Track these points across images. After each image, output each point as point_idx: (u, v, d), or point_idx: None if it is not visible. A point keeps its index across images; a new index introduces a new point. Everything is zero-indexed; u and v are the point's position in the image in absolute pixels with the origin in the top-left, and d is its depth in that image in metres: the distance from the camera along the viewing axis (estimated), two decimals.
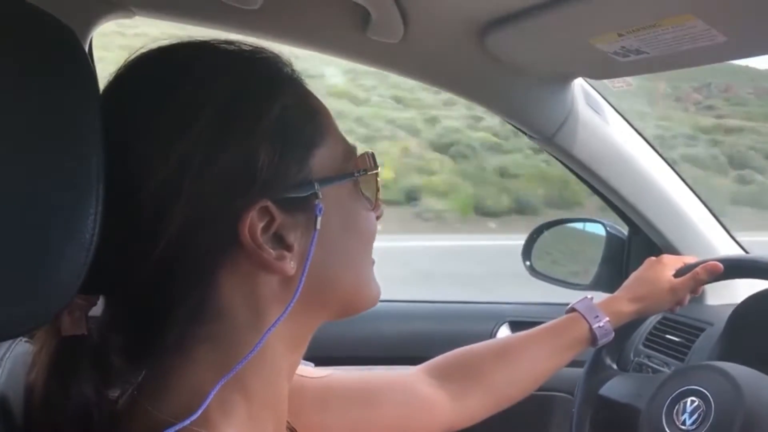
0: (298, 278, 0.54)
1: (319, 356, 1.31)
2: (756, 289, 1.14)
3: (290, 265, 0.53)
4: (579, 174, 1.32)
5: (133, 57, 0.54)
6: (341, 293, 0.59)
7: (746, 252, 1.36)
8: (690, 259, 1.03)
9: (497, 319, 1.49)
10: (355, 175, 0.58)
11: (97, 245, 0.48)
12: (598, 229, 1.51)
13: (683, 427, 0.87)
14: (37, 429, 0.52)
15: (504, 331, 1.48)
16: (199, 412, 0.49)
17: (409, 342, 1.46)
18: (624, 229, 1.47)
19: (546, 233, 1.55)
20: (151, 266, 0.50)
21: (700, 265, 0.99)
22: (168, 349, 0.52)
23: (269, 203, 0.51)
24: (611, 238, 1.47)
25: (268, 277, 0.53)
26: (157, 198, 0.49)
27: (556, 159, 1.31)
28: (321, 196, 0.54)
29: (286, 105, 0.54)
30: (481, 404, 0.88)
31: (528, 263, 1.53)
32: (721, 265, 0.97)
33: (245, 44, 0.56)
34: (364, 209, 0.59)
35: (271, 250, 0.52)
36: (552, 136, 1.19)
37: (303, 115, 0.55)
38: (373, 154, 0.61)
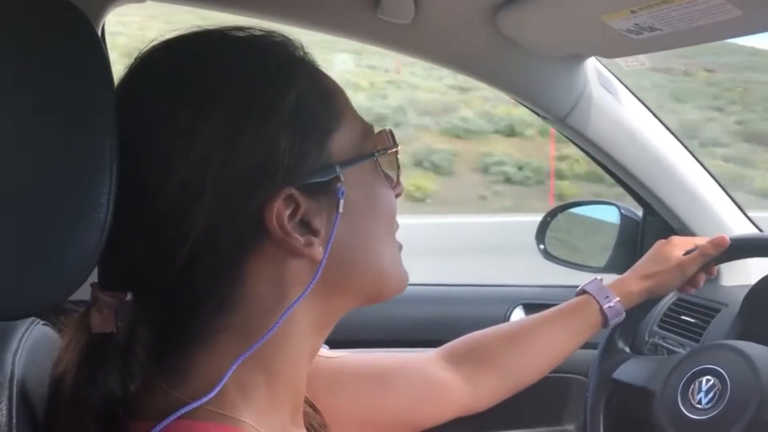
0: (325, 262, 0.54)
1: (332, 339, 1.32)
2: None
3: (318, 250, 0.52)
4: (592, 155, 1.31)
5: (143, 51, 0.54)
6: (368, 277, 0.58)
7: (761, 231, 1.34)
8: (700, 241, 1.02)
9: (511, 302, 1.49)
10: (375, 154, 0.57)
11: (126, 241, 0.49)
12: (611, 212, 1.49)
13: (699, 406, 0.87)
14: (61, 421, 0.52)
15: (518, 314, 1.47)
16: (217, 389, 0.50)
17: (421, 325, 1.46)
18: (638, 211, 1.46)
19: (560, 216, 1.54)
20: (179, 263, 0.50)
21: (708, 241, 0.98)
22: (193, 340, 0.53)
23: (294, 190, 0.51)
24: (625, 220, 1.46)
25: (296, 263, 0.53)
26: (181, 195, 0.49)
27: (569, 140, 1.30)
28: (343, 179, 0.53)
29: (301, 90, 0.53)
30: (494, 388, 0.88)
31: (542, 246, 1.52)
32: (727, 238, 0.97)
33: (255, 29, 0.55)
34: (384, 188, 0.59)
35: (299, 237, 0.51)
36: (565, 116, 1.18)
37: (319, 99, 0.55)
38: (391, 131, 0.60)
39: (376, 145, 0.58)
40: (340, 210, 0.53)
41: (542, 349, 0.91)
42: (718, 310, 1.23)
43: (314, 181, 0.52)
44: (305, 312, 0.54)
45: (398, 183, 0.61)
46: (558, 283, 1.57)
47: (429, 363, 0.86)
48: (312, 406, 0.68)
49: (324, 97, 0.55)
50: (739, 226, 1.34)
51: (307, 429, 0.64)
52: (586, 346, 0.99)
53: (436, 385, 0.84)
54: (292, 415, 0.59)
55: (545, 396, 1.35)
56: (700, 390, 0.88)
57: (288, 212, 0.51)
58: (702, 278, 1.01)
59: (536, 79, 1.14)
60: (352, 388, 0.77)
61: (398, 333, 1.44)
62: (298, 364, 0.57)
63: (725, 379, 0.86)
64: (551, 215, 1.54)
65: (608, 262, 1.44)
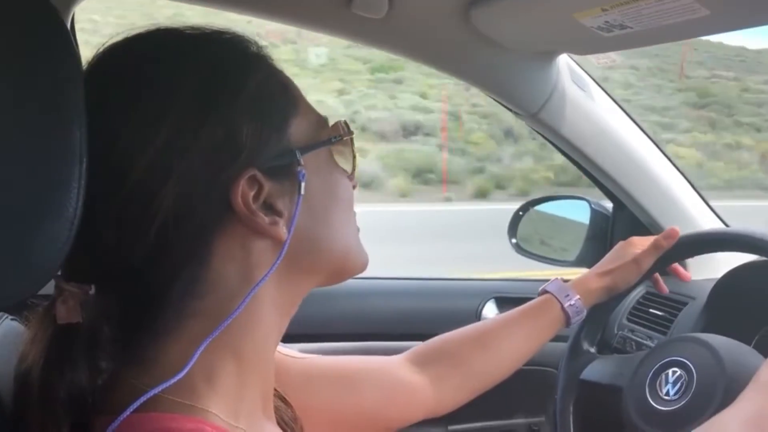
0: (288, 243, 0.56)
1: (308, 333, 1.32)
2: (736, 263, 1.16)
3: (282, 230, 0.55)
4: (564, 150, 1.32)
5: (102, 49, 0.56)
6: (331, 257, 0.61)
7: (727, 225, 1.37)
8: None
9: (483, 296, 1.50)
10: (332, 140, 0.61)
11: (93, 230, 0.49)
12: (582, 206, 1.51)
13: (666, 397, 0.89)
14: (30, 417, 0.52)
15: (490, 307, 1.49)
16: (182, 373, 0.50)
17: (396, 319, 1.46)
18: (608, 206, 1.48)
19: (532, 210, 1.55)
20: (146, 248, 0.51)
21: (661, 234, 1.01)
22: (160, 329, 0.53)
23: (256, 172, 0.53)
24: (596, 215, 1.47)
25: (261, 244, 0.55)
26: (147, 181, 0.51)
27: (541, 135, 1.31)
28: (303, 163, 0.57)
29: (259, 79, 0.56)
30: (459, 390, 0.90)
31: (514, 240, 1.53)
32: (677, 230, 1.00)
33: (207, 27, 0.58)
34: (341, 176, 0.62)
35: (264, 216, 0.54)
36: (537, 112, 1.19)
37: (276, 88, 0.58)
38: (345, 122, 0.64)
39: (331, 134, 0.61)
40: (302, 192, 0.56)
41: (507, 350, 0.93)
42: (685, 303, 1.25)
43: (276, 164, 0.55)
44: (271, 293, 0.57)
45: (353, 175, 0.64)
46: (530, 278, 1.58)
47: (396, 366, 0.88)
48: (283, 399, 0.69)
49: (281, 86, 0.59)
50: (706, 221, 1.37)
51: (278, 422, 0.65)
52: (557, 339, 1.00)
53: (403, 387, 0.86)
54: (263, 405, 0.60)
55: (515, 388, 1.36)
56: (667, 382, 0.90)
57: (252, 193, 0.53)
58: (681, 269, 1.06)
59: (509, 75, 1.15)
60: (322, 389, 0.79)
61: (372, 326, 1.45)
62: (265, 347, 0.59)
63: (692, 370, 0.88)
64: (523, 210, 1.55)
65: (578, 256, 1.46)
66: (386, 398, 0.85)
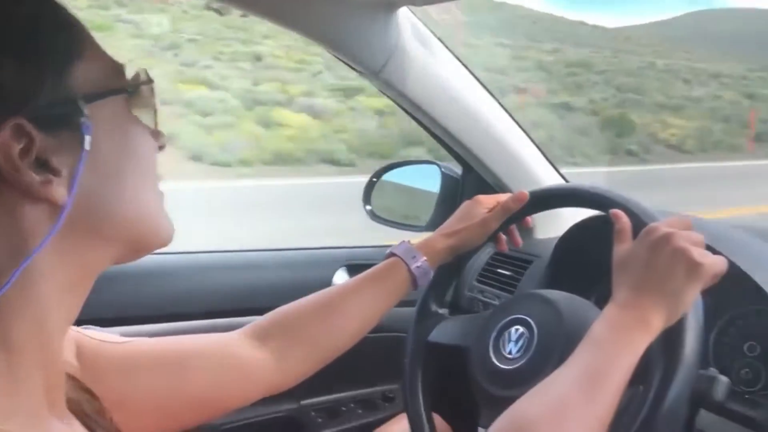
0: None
1: (142, 315, 1.22)
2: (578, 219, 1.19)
3: (59, 191, 0.48)
4: (411, 113, 1.29)
5: None
6: (125, 226, 0.54)
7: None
8: (504, 197, 1.04)
9: (335, 264, 1.47)
10: (128, 90, 0.54)
11: None
12: (433, 171, 1.50)
13: (509, 356, 0.87)
14: None
15: (341, 275, 1.46)
16: None
17: (244, 293, 1.39)
18: (458, 169, 1.48)
19: (384, 177, 1.53)
20: None
21: (509, 196, 1.00)
22: None
23: (24, 121, 0.46)
24: (446, 179, 1.47)
25: (33, 209, 0.48)
26: None
27: (388, 97, 1.27)
28: (87, 113, 0.49)
29: (30, 12, 0.49)
30: (304, 361, 0.87)
31: (368, 207, 1.51)
32: (526, 193, 0.99)
33: None
34: (141, 132, 0.55)
35: (35, 175, 0.46)
36: (379, 70, 1.14)
37: (55, 26, 0.51)
38: (146, 70, 0.56)
39: (128, 84, 0.54)
40: (87, 147, 0.49)
41: (353, 316, 0.91)
42: (531, 262, 1.27)
43: (51, 113, 0.48)
44: (51, 268, 0.49)
45: (158, 133, 0.58)
46: (381, 244, 1.56)
47: (233, 343, 0.84)
48: (88, 391, 0.62)
49: (61, 24, 0.51)
50: (550, 181, 1.39)
51: (80, 415, 0.58)
52: (409, 304, 0.97)
53: (240, 365, 0.82)
54: (48, 400, 0.51)
55: (368, 357, 1.34)
56: (510, 340, 0.89)
57: (20, 146, 0.46)
58: (516, 234, 1.04)
59: (348, 30, 1.09)
60: (143, 375, 0.72)
61: (218, 303, 1.36)
62: (46, 333, 0.50)
63: (533, 327, 0.87)
64: (376, 176, 1.53)
65: (430, 220, 1.45)
66: (218, 379, 0.79)
